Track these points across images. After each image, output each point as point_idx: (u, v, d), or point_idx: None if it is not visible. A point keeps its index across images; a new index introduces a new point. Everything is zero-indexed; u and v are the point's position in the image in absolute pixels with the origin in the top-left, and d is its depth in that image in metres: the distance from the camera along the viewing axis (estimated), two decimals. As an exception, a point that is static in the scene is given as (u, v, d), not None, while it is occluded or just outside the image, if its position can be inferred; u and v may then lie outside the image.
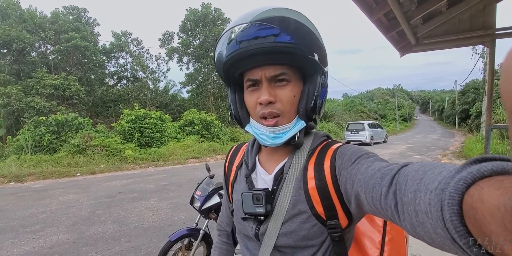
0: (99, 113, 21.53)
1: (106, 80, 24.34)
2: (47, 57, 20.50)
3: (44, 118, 11.02)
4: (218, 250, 0.86)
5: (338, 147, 0.62)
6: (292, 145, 0.64)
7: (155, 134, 12.51)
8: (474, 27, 3.20)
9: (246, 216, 0.63)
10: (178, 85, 25.37)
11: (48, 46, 20.66)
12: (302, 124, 0.62)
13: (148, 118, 12.58)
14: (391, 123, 39.07)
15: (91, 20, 23.75)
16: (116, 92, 22.16)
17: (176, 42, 24.17)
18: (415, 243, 2.58)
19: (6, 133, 14.34)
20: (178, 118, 16.30)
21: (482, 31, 3.15)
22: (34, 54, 19.74)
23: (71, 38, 19.11)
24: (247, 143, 0.77)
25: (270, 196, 0.62)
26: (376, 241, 0.78)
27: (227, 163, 0.80)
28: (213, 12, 22.95)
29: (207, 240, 2.41)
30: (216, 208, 2.25)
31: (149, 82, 24.53)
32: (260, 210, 0.60)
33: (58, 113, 12.46)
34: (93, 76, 22.56)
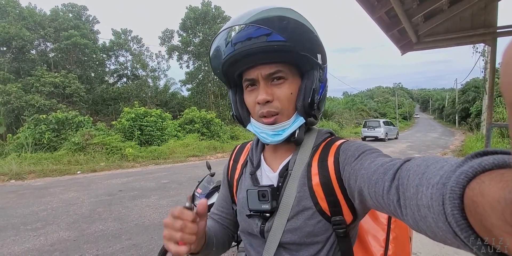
0: (99, 111, 21.51)
1: (106, 78, 24.29)
2: (47, 55, 20.46)
3: (44, 116, 11.02)
4: (210, 221, 0.80)
5: (341, 143, 0.63)
6: (293, 142, 0.65)
7: (155, 132, 12.52)
8: (476, 26, 3.19)
9: (252, 213, 0.63)
10: (178, 83, 25.35)
11: (48, 44, 20.60)
12: (301, 120, 0.62)
13: (148, 116, 12.58)
14: (391, 122, 39.03)
15: (90, 18, 23.68)
16: (116, 90, 22.13)
17: (176, 40, 24.15)
18: (415, 241, 2.60)
19: (6, 131, 14.36)
20: (178, 116, 16.32)
21: (483, 30, 3.14)
22: (33, 52, 19.68)
23: (70, 36, 19.06)
24: (251, 142, 0.78)
25: (275, 193, 0.62)
26: (380, 239, 0.78)
27: (231, 161, 0.80)
28: (213, 10, 22.87)
29: (207, 237, 2.42)
30: (217, 206, 2.26)
31: (149, 80, 24.47)
32: (266, 206, 0.60)
33: (58, 111, 12.46)
34: (93, 74, 22.51)
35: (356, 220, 0.60)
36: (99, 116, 20.72)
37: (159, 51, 35.60)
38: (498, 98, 11.25)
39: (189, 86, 24.67)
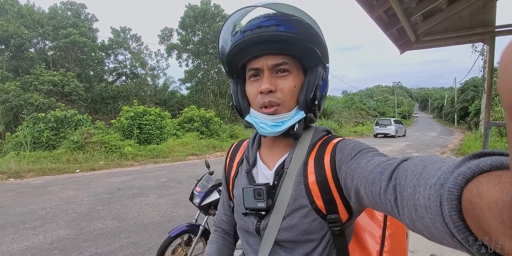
0: (98, 110, 21.45)
1: (105, 77, 24.18)
2: (46, 53, 20.36)
3: (43, 114, 10.99)
4: (215, 245, 0.85)
5: (338, 142, 0.63)
6: (291, 138, 0.65)
7: (155, 131, 12.50)
8: (474, 25, 3.20)
9: (247, 211, 0.64)
10: (177, 81, 25.25)
11: (47, 42, 20.50)
12: (301, 114, 0.62)
13: (148, 115, 12.56)
14: (390, 121, 39.08)
15: (89, 16, 23.58)
16: (115, 89, 22.04)
17: (175, 39, 24.03)
18: (412, 239, 2.61)
19: (4, 129, 14.32)
20: (178, 115, 16.27)
21: (482, 29, 3.15)
22: (32, 50, 19.60)
23: (69, 34, 18.97)
24: (247, 140, 0.78)
25: (271, 191, 0.62)
26: (376, 236, 0.78)
27: (228, 159, 0.80)
28: (213, 9, 22.78)
29: (206, 236, 2.43)
30: (216, 204, 2.26)
31: (148, 78, 24.39)
32: (262, 205, 0.61)
33: (57, 109, 12.43)
34: (92, 73, 22.43)
35: (352, 218, 0.61)
36: (98, 114, 20.68)
37: (158, 50, 35.58)
38: (497, 97, 11.26)
39: (188, 84, 24.61)
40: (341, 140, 0.64)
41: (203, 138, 13.94)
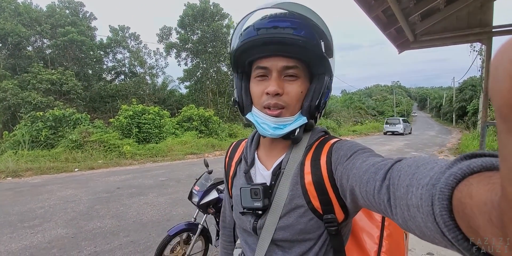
0: (97, 109, 21.38)
1: (104, 75, 24.09)
2: (44, 52, 20.26)
3: (41, 113, 10.96)
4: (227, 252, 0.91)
5: (334, 142, 0.63)
6: (290, 141, 0.66)
7: (153, 130, 12.49)
8: (472, 25, 3.22)
9: (245, 210, 0.65)
10: (176, 80, 25.19)
11: (45, 40, 20.39)
12: (303, 120, 0.63)
13: (146, 114, 12.54)
14: (389, 120, 39.22)
15: (87, 14, 23.45)
16: (113, 88, 21.96)
17: (174, 37, 23.93)
18: (409, 237, 2.63)
19: (2, 128, 14.26)
20: (177, 114, 16.25)
21: (479, 29, 3.17)
22: (30, 48, 19.49)
23: (67, 32, 18.87)
24: (246, 139, 0.78)
25: (268, 191, 0.63)
26: (374, 236, 0.79)
27: (227, 158, 0.81)
28: (212, 7, 22.69)
29: (205, 234, 2.44)
30: (214, 203, 2.28)
31: (147, 77, 24.32)
32: (258, 204, 0.62)
33: (55, 108, 12.38)
34: (90, 71, 22.33)
35: (348, 219, 0.61)
36: (97, 113, 20.61)
37: (157, 49, 35.45)
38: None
39: (187, 83, 24.55)
40: (337, 141, 0.64)
41: (202, 137, 13.94)
